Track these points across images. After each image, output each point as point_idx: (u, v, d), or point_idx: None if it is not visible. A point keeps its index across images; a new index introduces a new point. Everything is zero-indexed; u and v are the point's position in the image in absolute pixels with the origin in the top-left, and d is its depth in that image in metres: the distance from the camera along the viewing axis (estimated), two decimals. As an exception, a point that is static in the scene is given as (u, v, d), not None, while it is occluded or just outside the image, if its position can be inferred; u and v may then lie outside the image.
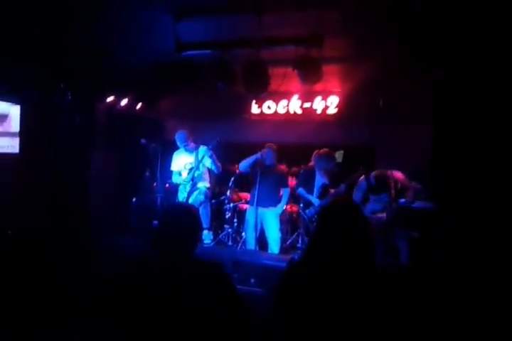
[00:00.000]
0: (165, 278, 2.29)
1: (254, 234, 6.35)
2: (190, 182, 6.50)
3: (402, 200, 5.57)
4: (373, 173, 5.82)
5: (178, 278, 2.28)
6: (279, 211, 6.45)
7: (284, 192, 6.50)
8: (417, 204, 6.17)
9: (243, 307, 2.35)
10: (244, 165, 6.46)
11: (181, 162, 6.69)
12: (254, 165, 6.37)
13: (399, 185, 5.65)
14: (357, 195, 5.91)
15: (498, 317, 3.85)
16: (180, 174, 6.75)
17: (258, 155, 6.32)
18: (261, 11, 4.70)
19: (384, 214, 5.67)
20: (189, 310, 2.21)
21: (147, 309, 2.24)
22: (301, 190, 6.49)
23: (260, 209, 6.33)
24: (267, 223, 6.42)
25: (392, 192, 5.60)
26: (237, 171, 6.94)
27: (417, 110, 6.95)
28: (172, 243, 2.39)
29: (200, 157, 6.48)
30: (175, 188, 6.83)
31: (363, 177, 5.87)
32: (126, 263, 2.59)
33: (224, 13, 4.94)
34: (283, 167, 6.59)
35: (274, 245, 6.38)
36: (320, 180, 6.34)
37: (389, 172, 5.70)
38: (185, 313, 2.21)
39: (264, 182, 6.27)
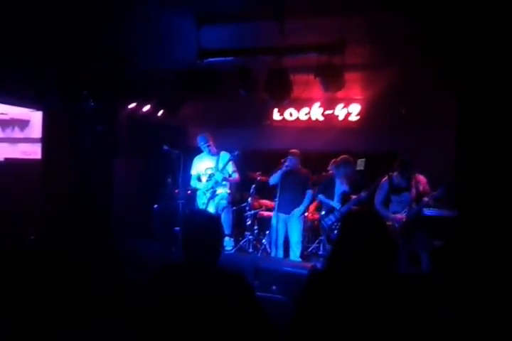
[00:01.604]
0: (186, 287, 2.29)
1: (278, 240, 6.43)
2: (211, 189, 6.54)
3: (424, 199, 5.52)
4: (396, 172, 5.79)
5: (201, 288, 2.27)
6: (299, 214, 6.48)
7: (306, 195, 6.52)
8: (440, 212, 6.12)
9: (265, 320, 2.34)
10: (274, 180, 6.56)
11: (202, 166, 6.74)
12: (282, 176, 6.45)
13: (420, 187, 5.62)
14: (379, 197, 5.89)
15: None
16: (199, 178, 6.78)
17: (283, 168, 6.38)
18: (283, 18, 4.71)
19: (404, 215, 5.64)
20: (211, 320, 2.21)
21: (169, 318, 2.24)
22: (321, 196, 6.50)
23: (285, 215, 6.47)
24: (290, 226, 6.51)
25: (413, 191, 5.60)
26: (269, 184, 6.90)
27: (440, 117, 6.90)
28: (195, 252, 2.39)
29: (222, 163, 6.52)
30: (196, 194, 6.86)
31: (385, 178, 5.85)
32: (149, 271, 2.60)
33: (246, 20, 4.97)
34: (306, 170, 6.61)
35: (296, 247, 6.45)
36: (340, 187, 6.32)
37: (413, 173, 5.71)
38: (206, 324, 2.21)
39: (289, 188, 6.38)
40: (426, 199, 5.51)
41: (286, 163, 6.37)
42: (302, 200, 6.51)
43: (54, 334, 3.98)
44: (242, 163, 6.82)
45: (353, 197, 6.12)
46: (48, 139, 6.95)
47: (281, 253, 6.53)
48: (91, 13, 4.84)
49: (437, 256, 5.63)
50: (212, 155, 6.68)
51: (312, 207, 7.41)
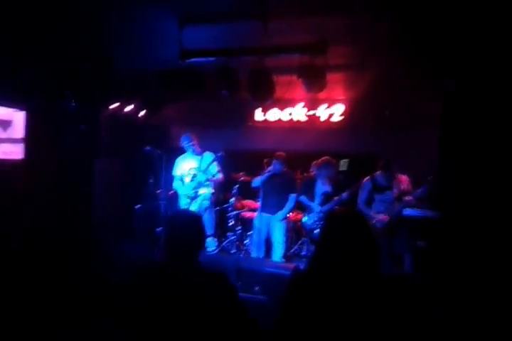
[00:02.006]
0: (170, 287, 2.28)
1: (260, 241, 6.46)
2: (194, 190, 6.50)
3: (405, 198, 5.55)
4: (379, 172, 5.83)
5: (182, 287, 2.27)
6: (281, 217, 6.48)
7: (290, 199, 6.52)
8: (422, 212, 6.16)
9: (248, 319, 2.33)
10: (256, 183, 6.57)
11: (185, 166, 6.72)
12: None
13: (402, 186, 5.68)
14: (362, 196, 5.94)
15: (503, 327, 3.81)
16: (182, 179, 6.74)
17: (269, 171, 6.40)
18: (266, 18, 4.71)
19: (387, 216, 5.68)
20: (193, 320, 2.20)
21: (152, 317, 2.23)
22: (302, 198, 6.52)
23: (267, 215, 6.47)
24: (272, 227, 6.50)
25: (395, 190, 5.67)
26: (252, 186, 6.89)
27: (423, 118, 6.94)
28: (177, 251, 2.39)
29: (205, 163, 6.49)
30: (178, 195, 6.83)
31: (368, 177, 5.89)
32: (131, 272, 2.59)
33: (229, 20, 4.96)
34: (291, 173, 6.63)
35: (278, 248, 6.44)
36: (321, 187, 6.36)
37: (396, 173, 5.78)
38: (188, 323, 2.20)
39: (272, 190, 6.38)
40: (407, 198, 5.55)
41: (270, 168, 6.38)
42: (286, 202, 6.52)
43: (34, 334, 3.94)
44: (225, 164, 6.80)
45: (335, 197, 6.15)
46: (30, 139, 6.87)
47: (262, 254, 6.54)
48: (73, 13, 4.80)
49: (420, 257, 5.67)
50: (196, 154, 6.65)
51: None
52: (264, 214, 6.52)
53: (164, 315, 2.23)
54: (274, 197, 6.40)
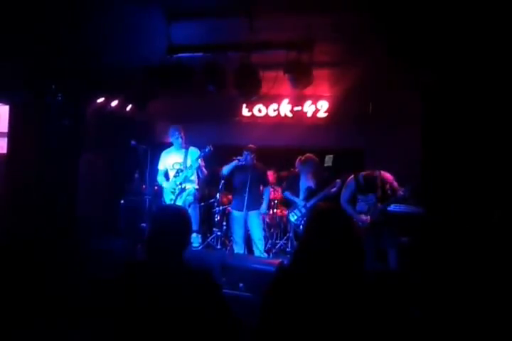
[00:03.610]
0: (153, 284, 2.27)
1: (242, 238, 6.43)
2: (179, 185, 6.46)
3: (400, 193, 5.58)
4: (363, 173, 5.87)
5: (166, 284, 2.25)
6: (263, 211, 6.56)
7: (265, 192, 6.60)
8: (406, 208, 6.22)
9: (232, 318, 2.33)
10: (225, 170, 6.59)
11: (170, 161, 6.65)
12: (233, 170, 6.48)
13: (387, 186, 5.72)
14: (345, 195, 5.96)
15: (488, 323, 3.86)
16: (166, 173, 6.72)
17: (236, 161, 6.40)
18: (252, 14, 4.72)
19: (368, 217, 5.72)
20: (177, 317, 2.20)
21: (136, 316, 2.22)
22: (286, 193, 6.60)
23: (243, 213, 6.40)
24: (251, 223, 6.47)
25: (379, 193, 5.69)
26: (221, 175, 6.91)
27: (406, 115, 7.01)
28: (161, 246, 2.36)
29: (191, 158, 6.47)
30: (163, 190, 6.81)
31: (352, 176, 5.93)
32: (115, 268, 2.57)
33: (216, 16, 4.95)
34: (262, 166, 6.64)
35: (259, 244, 6.44)
36: (305, 183, 6.44)
37: (378, 172, 5.77)
38: (172, 321, 2.19)
39: (245, 186, 6.30)
40: (401, 192, 5.59)
41: (240, 158, 6.38)
42: (259, 198, 6.56)
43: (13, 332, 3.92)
44: (211, 159, 6.78)
45: (321, 192, 6.20)
46: (13, 133, 6.82)
47: (242, 250, 6.46)
48: (58, 8, 4.75)
49: (404, 253, 5.72)
50: (182, 148, 6.61)
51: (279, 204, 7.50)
52: (239, 212, 6.45)
53: (146, 314, 2.20)
54: (247, 193, 6.28)
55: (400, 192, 5.53)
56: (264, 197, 6.60)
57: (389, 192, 5.67)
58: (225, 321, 2.30)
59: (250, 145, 6.50)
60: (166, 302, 2.21)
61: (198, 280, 2.31)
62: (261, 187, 6.66)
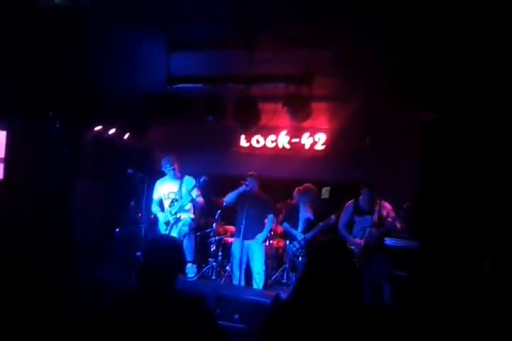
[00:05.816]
0: (146, 312, 2.25)
1: (239, 268, 6.32)
2: (174, 215, 6.42)
3: (388, 220, 5.63)
4: (362, 196, 5.93)
5: (159, 312, 2.24)
6: (262, 238, 6.44)
7: (268, 219, 6.53)
8: (403, 242, 6.20)
9: None
10: (230, 197, 6.51)
11: (165, 190, 6.60)
12: (239, 197, 6.42)
13: (384, 213, 5.77)
14: (343, 218, 5.99)
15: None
16: (161, 202, 6.68)
17: (244, 186, 6.36)
18: (253, 48, 4.80)
19: (362, 240, 5.74)
20: None
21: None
22: (285, 225, 6.50)
23: (246, 242, 6.35)
24: (252, 255, 6.41)
25: (376, 216, 5.74)
26: (223, 204, 6.86)
27: (404, 149, 7.04)
28: (154, 276, 2.36)
29: (186, 188, 6.45)
30: (158, 219, 6.76)
31: (352, 200, 5.98)
32: (108, 297, 2.55)
33: (216, 48, 5.04)
34: (266, 194, 6.62)
35: (258, 278, 6.32)
36: (304, 214, 6.38)
37: (378, 199, 5.86)
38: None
39: (250, 214, 6.28)
40: (389, 220, 5.61)
41: (247, 182, 6.36)
42: (263, 226, 6.50)
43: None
44: (208, 188, 6.77)
45: (321, 223, 6.16)
46: (10, 159, 6.81)
47: (243, 283, 6.36)
48: (60, 35, 4.83)
49: (400, 288, 5.67)
50: (176, 179, 6.60)
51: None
52: (237, 239, 6.43)
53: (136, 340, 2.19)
54: (251, 220, 6.28)
55: (397, 224, 5.56)
56: (266, 225, 6.51)
57: (387, 219, 5.68)
58: None
59: (252, 173, 6.51)
60: (156, 328, 2.18)
61: (189, 307, 2.30)
62: (264, 216, 6.56)
